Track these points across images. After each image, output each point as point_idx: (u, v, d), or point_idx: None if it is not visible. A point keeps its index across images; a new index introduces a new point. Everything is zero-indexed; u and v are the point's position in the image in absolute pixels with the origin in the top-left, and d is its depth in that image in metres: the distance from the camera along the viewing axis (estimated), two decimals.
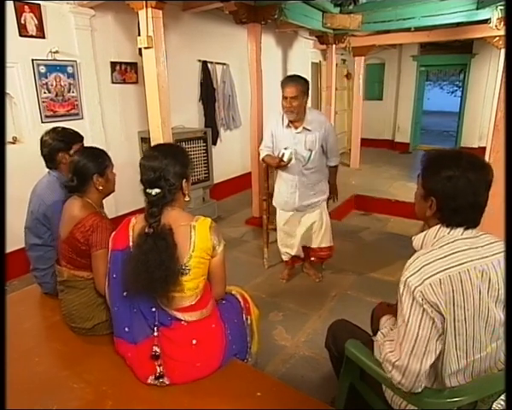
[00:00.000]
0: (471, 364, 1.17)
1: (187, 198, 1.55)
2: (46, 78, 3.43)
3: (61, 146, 2.06)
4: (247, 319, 1.75)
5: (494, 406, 1.23)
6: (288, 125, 2.75)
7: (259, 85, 4.42)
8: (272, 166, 2.94)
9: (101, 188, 1.80)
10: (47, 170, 2.12)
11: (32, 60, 3.32)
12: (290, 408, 1.38)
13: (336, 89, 7.06)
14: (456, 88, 21.62)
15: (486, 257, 1.14)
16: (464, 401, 1.14)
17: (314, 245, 3.06)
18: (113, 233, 1.56)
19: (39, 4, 3.31)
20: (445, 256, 1.13)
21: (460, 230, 1.17)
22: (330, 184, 3.09)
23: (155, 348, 1.45)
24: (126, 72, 4.14)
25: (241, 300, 1.78)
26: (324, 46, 6.29)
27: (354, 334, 1.55)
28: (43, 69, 3.39)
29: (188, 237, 1.43)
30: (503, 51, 5.17)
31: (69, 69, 3.59)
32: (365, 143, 7.82)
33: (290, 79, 2.64)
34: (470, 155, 1.17)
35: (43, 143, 2.08)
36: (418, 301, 1.10)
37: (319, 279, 3.27)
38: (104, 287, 1.61)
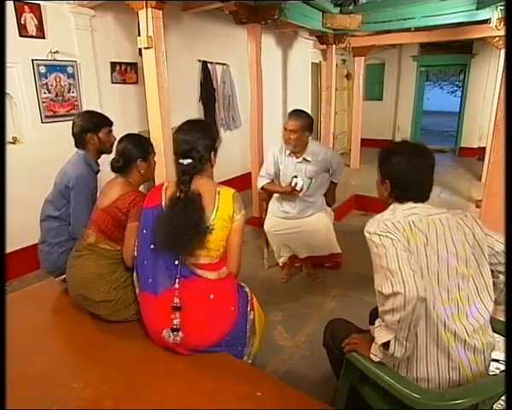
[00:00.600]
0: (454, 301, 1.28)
1: (213, 168, 1.71)
2: (46, 78, 3.43)
3: (90, 127, 2.21)
4: (249, 313, 1.77)
5: (494, 406, 1.23)
6: (290, 154, 2.87)
7: (259, 86, 4.42)
8: (278, 193, 3.00)
9: (142, 172, 1.95)
10: (75, 150, 2.25)
11: (32, 60, 3.32)
12: (290, 408, 1.38)
13: (336, 89, 7.05)
14: (456, 88, 21.63)
15: (433, 214, 1.35)
16: (466, 404, 1.14)
17: (326, 252, 3.01)
18: (147, 195, 1.70)
19: (39, 4, 3.31)
20: (393, 214, 1.36)
21: (411, 204, 1.39)
22: (328, 193, 3.12)
23: (176, 300, 1.55)
24: (126, 72, 4.14)
25: (248, 293, 1.84)
26: (324, 46, 6.28)
27: (351, 332, 1.54)
28: (43, 69, 3.39)
29: (213, 200, 1.58)
30: (503, 51, 5.17)
31: (69, 69, 3.59)
32: (365, 143, 7.81)
33: (294, 114, 2.77)
34: (414, 144, 1.43)
35: (74, 123, 2.22)
36: (382, 235, 1.27)
37: (319, 279, 3.27)
38: (130, 257, 1.76)
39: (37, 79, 3.37)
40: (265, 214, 3.32)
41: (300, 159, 2.85)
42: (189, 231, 1.50)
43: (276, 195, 3.09)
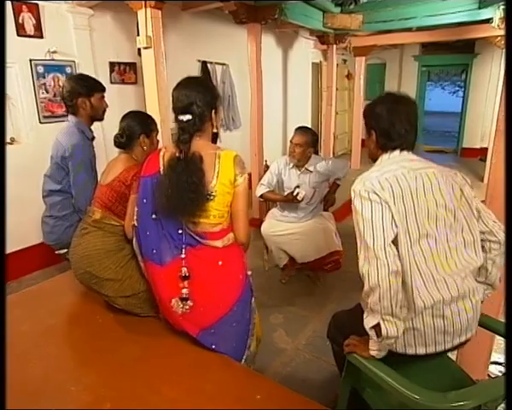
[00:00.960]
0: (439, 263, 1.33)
1: (215, 130, 1.66)
2: (44, 78, 3.43)
3: (82, 91, 2.17)
4: (253, 315, 1.78)
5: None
6: (293, 167, 3.03)
7: (259, 86, 4.42)
8: (279, 201, 3.14)
9: (145, 148, 1.96)
10: (65, 121, 2.23)
11: (30, 60, 3.32)
12: None
13: (337, 89, 7.07)
14: (457, 88, 21.63)
15: (421, 168, 1.38)
16: (468, 406, 1.14)
17: (325, 253, 3.01)
18: (144, 163, 1.66)
19: (37, 4, 3.32)
20: (380, 169, 1.39)
21: (397, 152, 1.44)
22: (329, 195, 3.15)
23: (184, 269, 1.54)
24: (125, 72, 4.14)
25: (252, 283, 1.80)
26: (325, 46, 6.30)
27: (357, 325, 1.53)
28: (41, 69, 3.40)
29: (213, 165, 1.53)
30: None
31: (67, 69, 3.59)
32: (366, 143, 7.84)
33: (300, 130, 2.98)
34: (396, 94, 1.49)
35: (63, 87, 2.19)
36: (365, 198, 1.31)
37: (320, 281, 3.27)
38: (131, 229, 1.72)
39: (35, 79, 3.37)
40: (265, 216, 3.35)
41: (303, 169, 3.00)
42: (190, 194, 1.46)
43: (279, 204, 3.17)
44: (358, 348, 1.41)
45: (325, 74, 6.92)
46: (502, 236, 1.42)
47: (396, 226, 1.28)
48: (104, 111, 2.27)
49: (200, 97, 1.54)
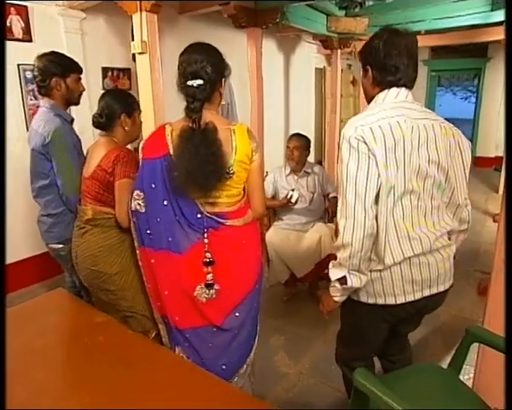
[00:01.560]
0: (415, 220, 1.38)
1: (223, 101, 1.70)
2: (32, 84, 3.44)
3: (56, 70, 2.12)
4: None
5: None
6: (290, 173, 3.25)
7: (260, 93, 4.45)
8: (276, 208, 3.33)
9: (127, 128, 1.94)
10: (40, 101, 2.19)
11: (18, 65, 3.35)
12: None
13: (341, 96, 7.10)
14: (470, 94, 21.78)
15: (420, 118, 1.37)
16: None
17: (322, 256, 3.07)
18: (145, 142, 1.62)
19: (26, 6, 3.36)
20: (375, 113, 1.36)
21: (394, 92, 1.41)
22: (331, 206, 3.26)
23: (208, 255, 1.56)
24: (119, 78, 4.18)
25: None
26: (329, 51, 6.35)
27: (366, 343, 1.65)
28: (29, 74, 3.42)
29: (229, 140, 1.53)
30: None
31: None
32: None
33: (296, 135, 3.27)
34: (394, 28, 1.46)
35: (36, 66, 2.12)
36: (354, 147, 1.30)
37: None
38: (125, 216, 1.72)
39: (23, 84, 3.40)
40: (267, 229, 3.37)
41: (301, 173, 3.23)
42: (211, 166, 1.45)
43: (279, 213, 3.32)
44: (325, 303, 1.59)
45: (329, 80, 6.98)
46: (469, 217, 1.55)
47: (380, 183, 1.30)
48: (80, 94, 2.22)
49: (212, 62, 1.54)
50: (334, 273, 1.43)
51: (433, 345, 2.65)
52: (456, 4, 4.77)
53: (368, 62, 1.48)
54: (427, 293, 1.46)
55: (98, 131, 2.00)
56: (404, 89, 1.43)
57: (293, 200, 3.07)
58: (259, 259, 1.73)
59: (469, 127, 9.21)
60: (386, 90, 1.43)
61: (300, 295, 3.36)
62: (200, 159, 1.44)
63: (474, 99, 11.10)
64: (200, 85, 1.50)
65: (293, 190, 3.11)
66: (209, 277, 1.57)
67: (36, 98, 3.49)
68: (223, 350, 1.70)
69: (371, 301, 1.47)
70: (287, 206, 3.13)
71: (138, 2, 2.96)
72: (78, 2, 3.57)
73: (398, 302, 1.44)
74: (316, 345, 2.71)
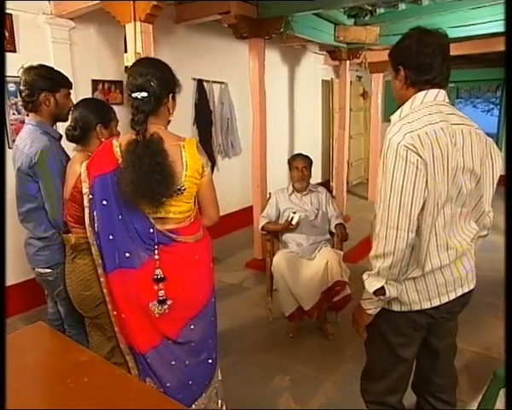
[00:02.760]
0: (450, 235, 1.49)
1: (171, 117, 1.79)
2: (16, 97, 3.49)
3: (45, 85, 2.14)
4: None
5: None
6: (293, 192, 3.44)
7: (262, 107, 4.50)
8: (278, 231, 3.44)
9: (104, 140, 1.92)
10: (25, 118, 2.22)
11: None
12: None
13: (351, 110, 7.18)
14: (492, 106, 21.91)
15: (458, 124, 1.45)
16: None
17: (329, 284, 3.09)
18: (89, 161, 1.71)
19: (11, 14, 3.42)
20: (420, 118, 1.42)
21: (432, 94, 1.48)
22: (338, 230, 3.35)
23: (157, 271, 1.68)
24: (110, 91, 4.24)
25: None
26: (337, 62, 6.44)
27: (398, 363, 1.68)
28: (12, 87, 3.46)
29: (179, 157, 1.65)
30: None
31: None
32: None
33: (299, 155, 3.50)
34: (424, 28, 1.58)
35: (23, 80, 2.14)
36: (401, 156, 1.35)
37: (333, 335, 3.21)
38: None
39: (5, 98, 3.43)
40: (270, 256, 3.38)
41: (306, 191, 3.42)
42: (157, 176, 1.56)
43: (285, 235, 3.36)
44: (359, 317, 1.64)
45: (337, 93, 7.06)
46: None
47: (427, 193, 1.37)
48: (69, 110, 2.23)
49: (158, 76, 1.66)
50: (372, 284, 1.49)
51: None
52: (474, 12, 4.82)
53: (399, 62, 1.55)
54: (459, 292, 1.57)
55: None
56: (441, 90, 1.50)
57: (293, 222, 3.20)
58: (211, 272, 1.88)
59: (493, 142, 9.24)
60: (424, 91, 1.49)
61: (307, 329, 3.32)
62: (144, 169, 1.55)
63: (496, 112, 11.17)
64: (144, 98, 1.63)
65: (294, 212, 3.24)
66: (161, 293, 1.69)
67: (19, 113, 3.53)
68: (185, 366, 1.83)
69: (405, 308, 1.56)
70: (288, 229, 3.27)
71: (132, 12, 3.01)
72: (67, 10, 3.64)
73: (433, 305, 1.54)
74: (325, 387, 2.67)
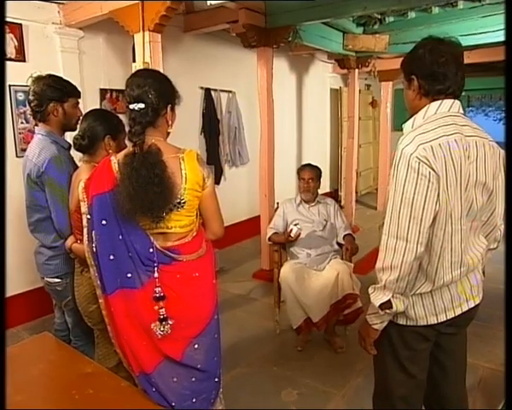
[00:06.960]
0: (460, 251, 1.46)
1: (170, 129, 1.77)
2: (25, 106, 3.53)
3: (54, 95, 2.17)
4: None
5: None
6: (301, 203, 3.46)
7: (270, 116, 4.51)
8: (281, 242, 3.45)
9: (111, 152, 1.95)
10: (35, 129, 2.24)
11: (10, 85, 3.44)
12: None
13: (360, 118, 7.19)
14: (505, 115, 21.82)
15: (472, 136, 1.43)
16: None
17: (339, 296, 3.06)
18: (88, 179, 1.70)
19: (21, 24, 3.47)
20: (434, 129, 1.40)
21: (447, 104, 1.46)
22: (348, 243, 3.34)
23: (157, 290, 1.66)
24: (118, 100, 4.28)
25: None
26: (345, 70, 6.45)
27: (408, 379, 1.63)
28: (21, 96, 3.51)
29: (178, 169, 1.64)
30: None
31: None
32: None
33: (308, 166, 3.51)
34: (437, 37, 1.56)
35: (32, 90, 2.16)
36: (413, 167, 1.34)
37: (341, 349, 3.18)
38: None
39: (13, 107, 3.48)
40: (277, 267, 3.36)
41: (314, 202, 3.44)
42: (155, 188, 1.54)
43: (293, 245, 3.36)
44: (366, 332, 1.59)
45: (346, 102, 7.05)
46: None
47: (439, 206, 1.36)
48: (78, 120, 2.26)
49: (156, 87, 1.65)
50: (378, 298, 1.46)
51: (471, 405, 2.56)
52: (484, 20, 4.79)
53: (412, 72, 1.53)
54: (465, 307, 1.55)
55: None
56: (456, 100, 1.48)
57: (292, 234, 3.21)
58: (214, 288, 1.83)
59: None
60: (438, 101, 1.48)
61: (315, 342, 3.29)
62: (141, 182, 1.54)
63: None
64: (141, 109, 1.62)
65: (296, 224, 3.26)
66: (162, 311, 1.66)
67: (27, 122, 3.56)
68: (188, 384, 1.79)
69: (410, 323, 1.54)
70: (287, 241, 3.30)
71: (141, 22, 3.05)
72: (76, 20, 3.69)
73: (440, 320, 1.52)
74: (334, 401, 2.64)
